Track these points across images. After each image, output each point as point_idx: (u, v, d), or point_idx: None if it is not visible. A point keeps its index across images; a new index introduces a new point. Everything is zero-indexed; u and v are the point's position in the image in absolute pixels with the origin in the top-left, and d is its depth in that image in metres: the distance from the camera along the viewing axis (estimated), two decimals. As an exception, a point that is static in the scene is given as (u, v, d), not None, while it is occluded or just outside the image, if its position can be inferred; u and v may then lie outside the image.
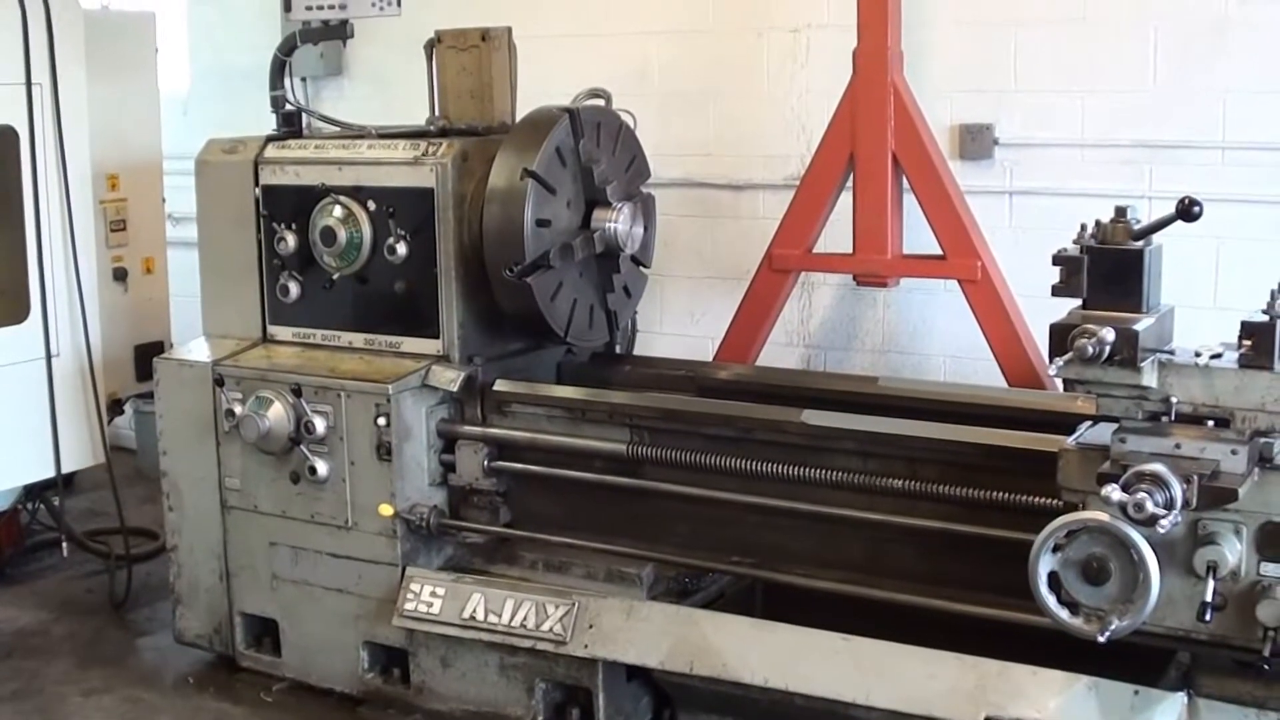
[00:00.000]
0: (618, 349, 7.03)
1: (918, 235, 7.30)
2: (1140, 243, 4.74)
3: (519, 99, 6.82)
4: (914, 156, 7.14)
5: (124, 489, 8.01)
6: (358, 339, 6.57)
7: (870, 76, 7.15)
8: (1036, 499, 5.11)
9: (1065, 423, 5.14)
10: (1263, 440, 4.51)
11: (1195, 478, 4.40)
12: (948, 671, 5.20)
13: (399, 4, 6.67)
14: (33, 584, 8.22)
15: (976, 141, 7.54)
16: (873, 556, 5.69)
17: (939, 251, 7.16)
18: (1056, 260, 4.78)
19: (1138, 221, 4.78)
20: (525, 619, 5.96)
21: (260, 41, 8.22)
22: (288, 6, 6.80)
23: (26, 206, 7.48)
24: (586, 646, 5.84)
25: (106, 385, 7.93)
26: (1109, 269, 4.72)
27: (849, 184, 7.31)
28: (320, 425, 6.33)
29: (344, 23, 6.82)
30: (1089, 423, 4.92)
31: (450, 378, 6.30)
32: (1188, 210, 4.55)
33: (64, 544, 8.04)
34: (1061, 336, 4.61)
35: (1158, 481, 4.38)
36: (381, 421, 6.21)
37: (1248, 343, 4.55)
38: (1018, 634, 5.08)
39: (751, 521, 5.90)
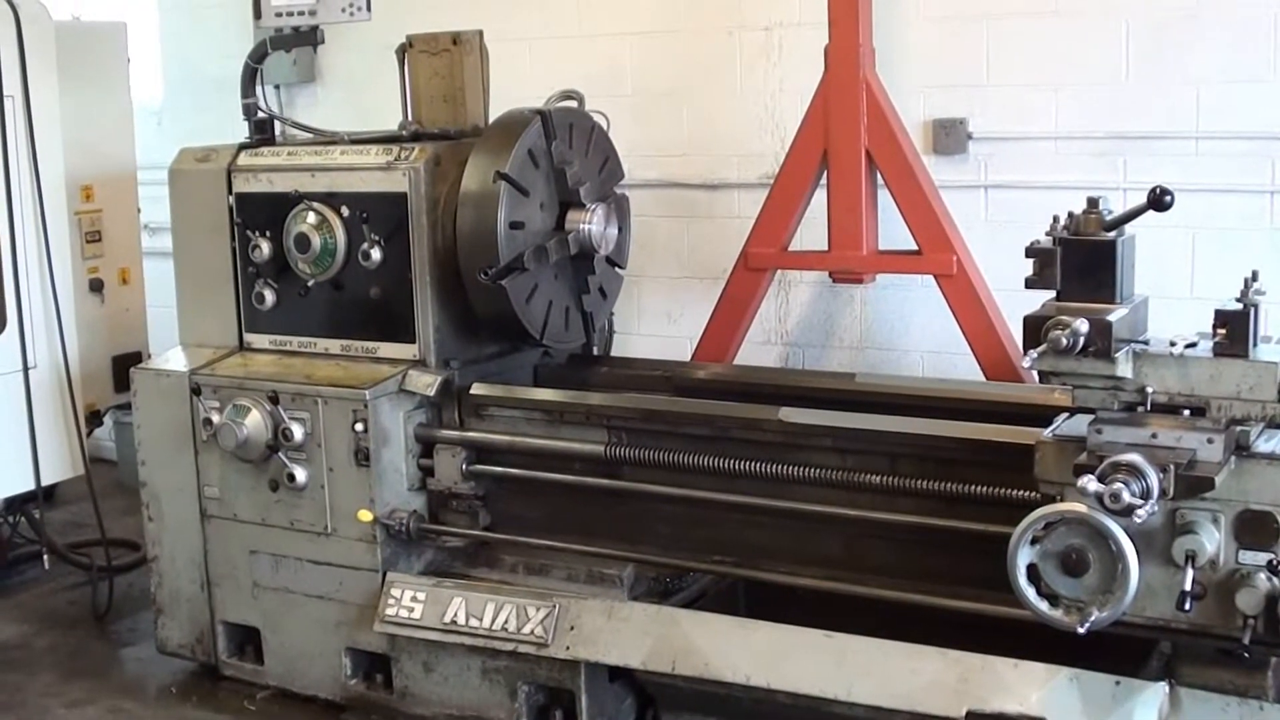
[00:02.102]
0: (595, 350, 7.04)
1: (893, 231, 7.30)
2: (1113, 233, 4.74)
3: (492, 102, 6.82)
4: (887, 152, 7.13)
5: (105, 500, 8.00)
6: (334, 345, 6.56)
7: (842, 73, 7.14)
8: (1014, 492, 5.11)
9: (1042, 415, 5.15)
10: (1238, 428, 4.52)
11: (1172, 467, 4.40)
12: (930, 666, 5.20)
13: (369, 9, 6.64)
14: (14, 597, 8.19)
15: (950, 136, 7.54)
16: (853, 553, 5.69)
17: (914, 247, 7.16)
18: (1029, 253, 4.78)
19: (1110, 212, 4.78)
20: (506, 622, 5.95)
21: (232, 50, 8.20)
22: (258, 14, 6.78)
23: (0, 219, 7.46)
24: (568, 648, 5.83)
25: (85, 396, 7.93)
26: (1082, 260, 4.73)
27: (824, 181, 7.31)
28: (298, 432, 6.32)
29: (314, 29, 6.80)
30: (1065, 415, 4.93)
31: (427, 382, 6.29)
32: (1159, 200, 4.56)
33: (45, 556, 8.02)
34: (1035, 329, 4.62)
35: (1134, 471, 4.38)
36: (359, 427, 6.21)
37: (1222, 331, 4.55)
38: (999, 627, 5.08)
39: (731, 520, 5.90)
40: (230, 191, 6.67)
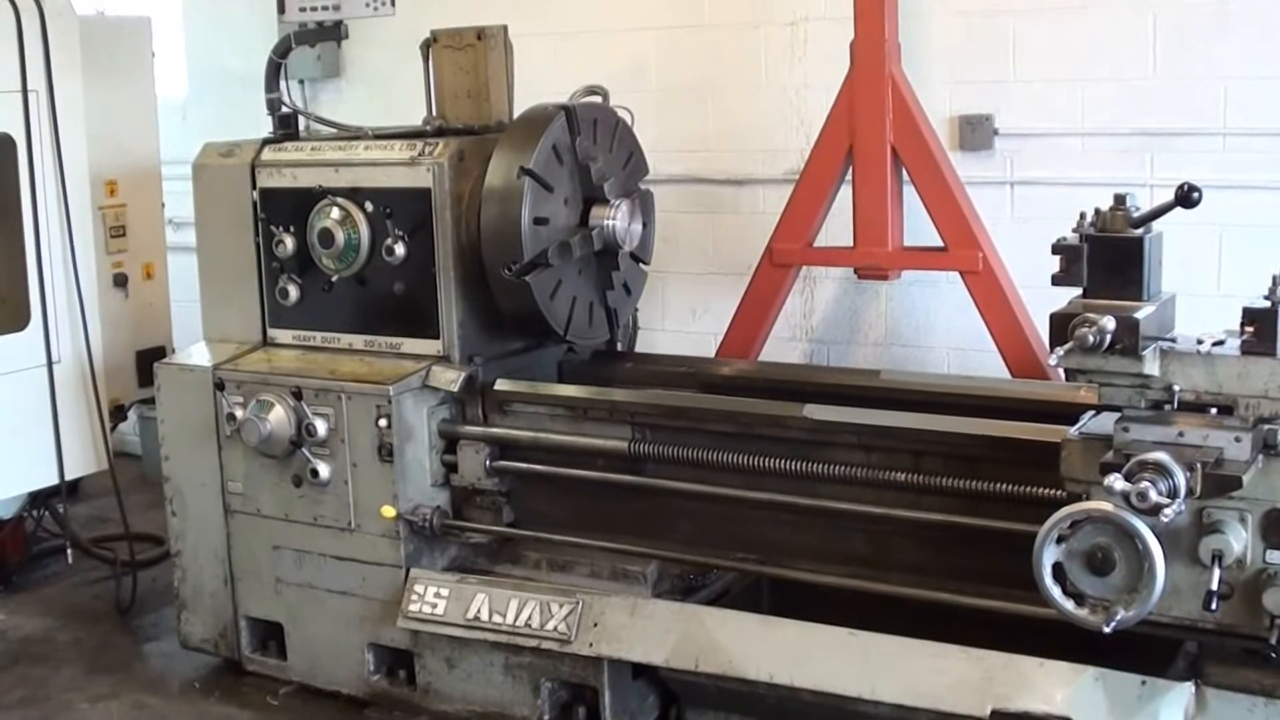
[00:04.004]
0: (619, 346, 7.02)
1: (918, 227, 7.27)
2: (1140, 230, 4.72)
3: (516, 98, 6.81)
4: (913, 148, 7.11)
5: (130, 494, 8.03)
6: (358, 341, 6.56)
7: (868, 68, 7.12)
8: (1040, 490, 5.09)
9: (1068, 413, 5.12)
10: (1266, 427, 4.49)
11: (1199, 466, 4.38)
12: (954, 664, 5.18)
13: (393, 4, 6.64)
14: (38, 591, 8.22)
15: (976, 132, 7.50)
16: (877, 550, 5.67)
17: (940, 243, 7.13)
18: (1056, 249, 4.76)
19: (1137, 209, 4.75)
20: (530, 618, 5.95)
21: (257, 45, 8.20)
22: (282, 8, 6.79)
23: (25, 214, 7.48)
24: (591, 645, 5.82)
25: (109, 391, 7.93)
26: (1109, 257, 4.70)
27: (849, 177, 7.28)
28: (321, 428, 6.32)
29: (338, 24, 6.81)
30: (1092, 412, 4.91)
31: (451, 378, 6.28)
32: (1187, 196, 4.54)
33: (69, 551, 8.01)
34: (1062, 326, 4.59)
35: (1161, 470, 4.35)
36: (383, 423, 6.20)
37: (1250, 329, 4.53)
38: (1024, 626, 5.06)
39: (755, 517, 5.88)
40: (254, 186, 6.67)
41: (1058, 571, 4.60)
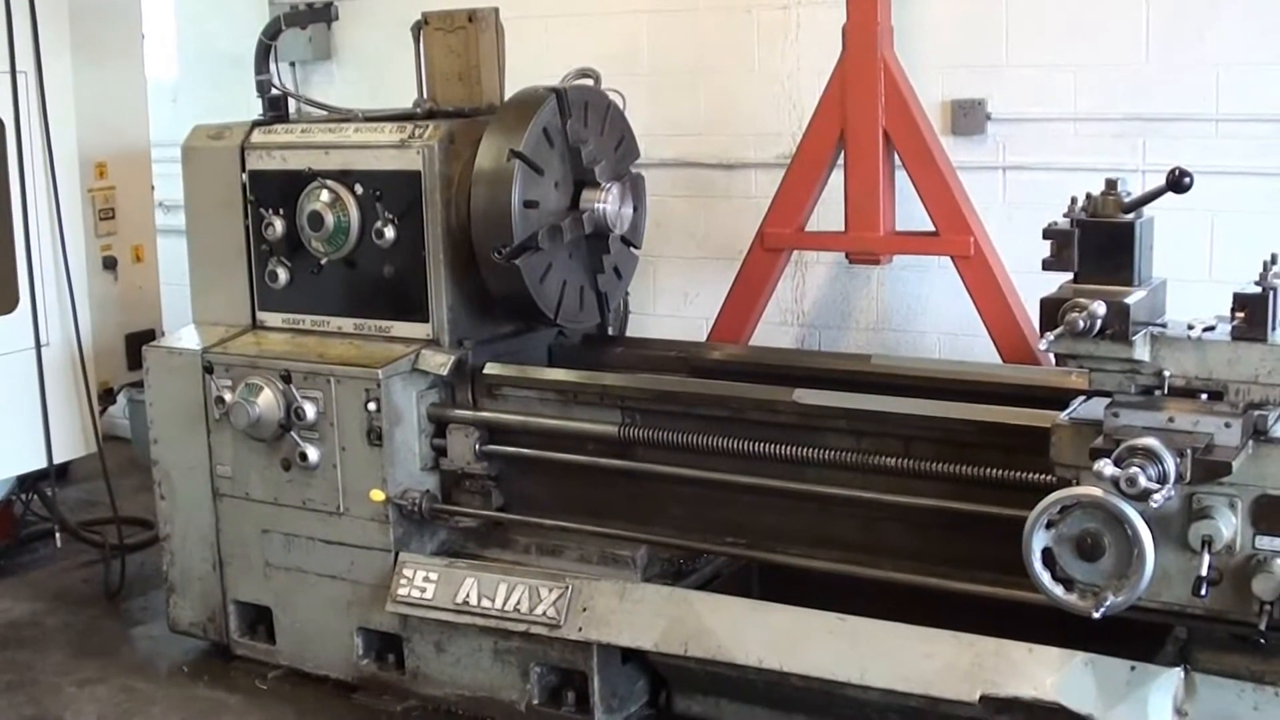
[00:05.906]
0: (609, 331, 7.01)
1: (910, 212, 7.26)
2: (1131, 215, 4.71)
3: (507, 80, 6.79)
4: (905, 133, 7.09)
5: (120, 478, 8.02)
6: (347, 324, 6.54)
7: (860, 52, 7.10)
8: (1030, 475, 5.08)
9: (1059, 398, 5.13)
10: (1257, 413, 4.49)
11: (1189, 451, 4.38)
12: (944, 650, 5.17)
13: (383, -15, 6.62)
14: (27, 575, 8.20)
15: (969, 117, 7.48)
16: (867, 535, 5.67)
17: (932, 228, 7.12)
18: (1047, 234, 4.75)
19: (1129, 194, 4.74)
20: (519, 603, 5.93)
21: (248, 27, 8.18)
22: (272, -10, 6.77)
23: (14, 196, 7.46)
24: (581, 630, 5.82)
25: (98, 374, 7.93)
26: (1100, 242, 4.70)
27: (841, 162, 7.26)
28: (310, 411, 6.30)
29: (329, 5, 6.80)
30: (1082, 398, 4.91)
31: (440, 362, 6.26)
32: (1178, 181, 4.53)
33: (57, 534, 7.99)
34: (1052, 311, 4.59)
35: (1150, 455, 4.35)
36: (372, 407, 6.19)
37: (1240, 315, 4.52)
38: (1013, 611, 5.06)
39: (745, 502, 5.88)
40: (244, 169, 6.65)
41: (1047, 557, 4.60)
